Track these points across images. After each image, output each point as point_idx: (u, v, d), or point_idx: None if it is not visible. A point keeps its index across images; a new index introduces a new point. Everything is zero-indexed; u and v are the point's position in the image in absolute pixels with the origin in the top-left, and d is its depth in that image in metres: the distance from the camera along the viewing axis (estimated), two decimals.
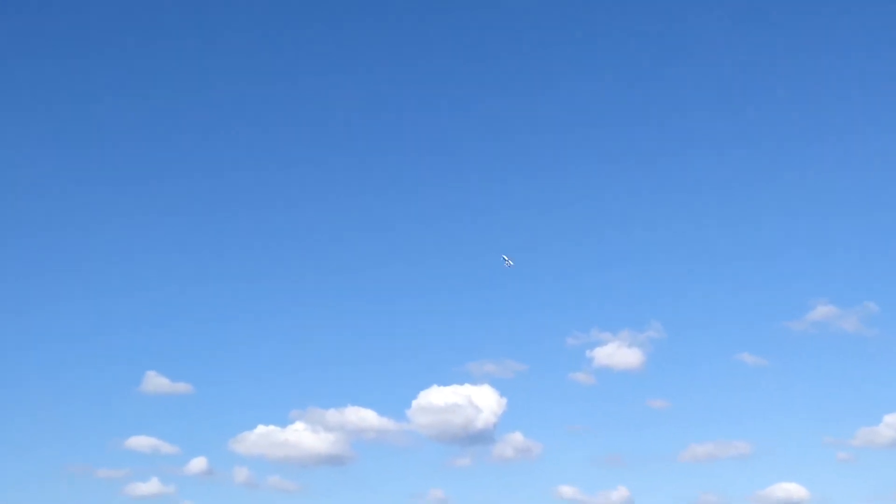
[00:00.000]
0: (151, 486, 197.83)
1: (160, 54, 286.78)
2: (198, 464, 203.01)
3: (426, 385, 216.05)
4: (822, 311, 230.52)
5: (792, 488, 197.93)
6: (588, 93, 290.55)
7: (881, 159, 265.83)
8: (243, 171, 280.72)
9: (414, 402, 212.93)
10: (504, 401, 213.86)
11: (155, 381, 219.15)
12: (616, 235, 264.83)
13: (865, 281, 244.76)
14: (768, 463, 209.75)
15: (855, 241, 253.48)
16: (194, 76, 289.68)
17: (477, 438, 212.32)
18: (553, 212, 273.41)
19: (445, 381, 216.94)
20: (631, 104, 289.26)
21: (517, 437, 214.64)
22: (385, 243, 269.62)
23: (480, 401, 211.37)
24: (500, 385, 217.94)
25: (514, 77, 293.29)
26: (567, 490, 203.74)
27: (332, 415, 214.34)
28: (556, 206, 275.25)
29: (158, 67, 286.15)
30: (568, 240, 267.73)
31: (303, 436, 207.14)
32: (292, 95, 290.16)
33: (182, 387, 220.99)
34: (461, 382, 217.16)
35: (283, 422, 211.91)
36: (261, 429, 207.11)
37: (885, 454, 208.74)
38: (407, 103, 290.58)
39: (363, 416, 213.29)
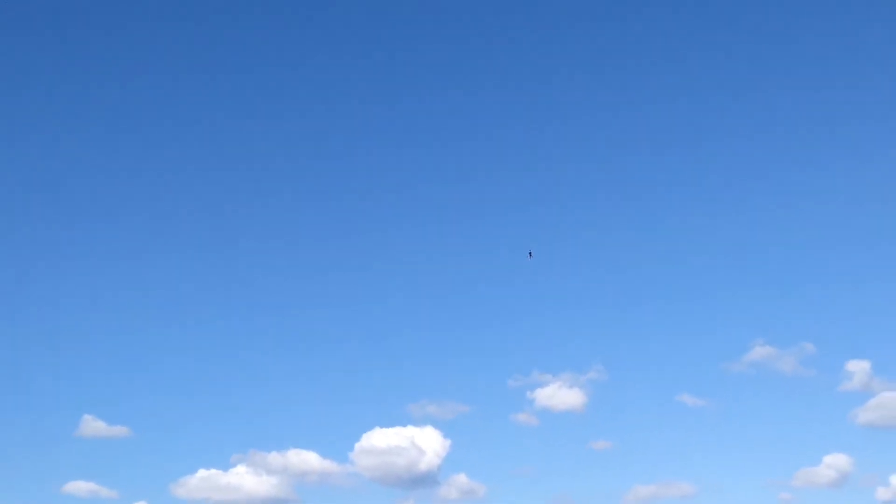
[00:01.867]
0: None
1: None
2: None
3: (369, 427, 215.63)
4: (760, 351, 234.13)
5: None
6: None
7: (815, 202, 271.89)
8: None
9: (357, 445, 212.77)
10: (448, 442, 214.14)
11: (92, 425, 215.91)
12: (556, 278, 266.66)
13: (802, 322, 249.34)
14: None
15: (792, 281, 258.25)
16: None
17: (421, 481, 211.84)
18: (494, 253, 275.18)
19: (388, 423, 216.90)
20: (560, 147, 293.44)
21: (461, 479, 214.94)
22: (323, 285, 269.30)
23: (424, 442, 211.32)
24: (442, 426, 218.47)
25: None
26: None
27: (274, 457, 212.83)
28: (496, 248, 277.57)
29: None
30: (509, 282, 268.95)
31: (245, 479, 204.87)
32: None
33: (120, 430, 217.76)
34: (404, 424, 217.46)
35: (225, 465, 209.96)
36: (202, 472, 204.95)
37: (826, 494, 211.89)
38: None
39: (306, 459, 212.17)
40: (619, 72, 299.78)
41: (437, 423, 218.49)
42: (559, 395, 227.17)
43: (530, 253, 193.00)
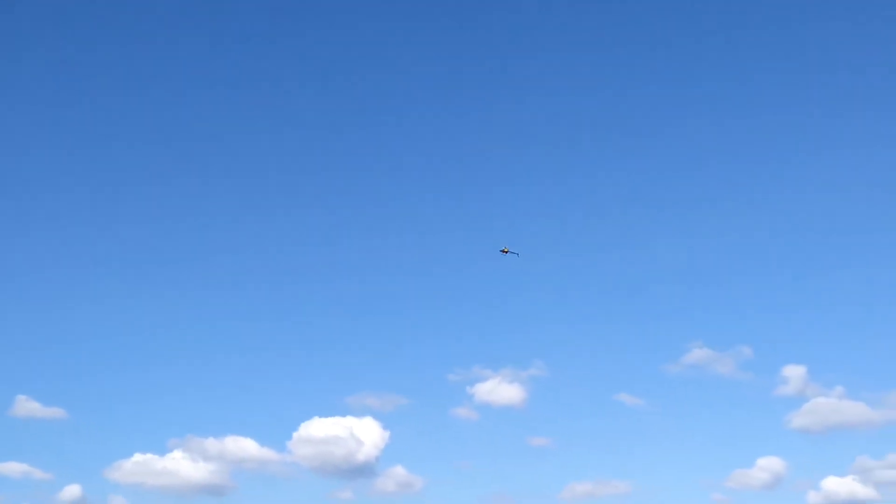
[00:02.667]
0: None
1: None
2: (72, 491, 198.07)
3: (308, 416, 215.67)
4: (699, 354, 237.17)
5: None
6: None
7: (755, 210, 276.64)
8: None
9: (295, 434, 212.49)
10: (387, 433, 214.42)
11: (26, 406, 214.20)
12: (499, 274, 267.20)
13: (741, 326, 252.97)
14: (647, 503, 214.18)
15: (731, 285, 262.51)
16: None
17: (359, 471, 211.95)
18: (436, 248, 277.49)
19: (327, 413, 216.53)
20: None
21: (399, 471, 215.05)
22: (265, 273, 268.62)
23: (362, 433, 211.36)
24: (381, 418, 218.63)
25: None
26: None
27: (211, 444, 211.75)
28: (439, 243, 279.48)
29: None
30: (450, 276, 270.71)
31: (181, 464, 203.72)
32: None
33: (55, 412, 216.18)
34: (343, 414, 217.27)
35: (161, 450, 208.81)
36: (138, 457, 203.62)
37: (758, 496, 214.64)
38: None
39: (243, 446, 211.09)
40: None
41: (375, 415, 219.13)
42: (499, 390, 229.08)
43: (513, 253, 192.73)
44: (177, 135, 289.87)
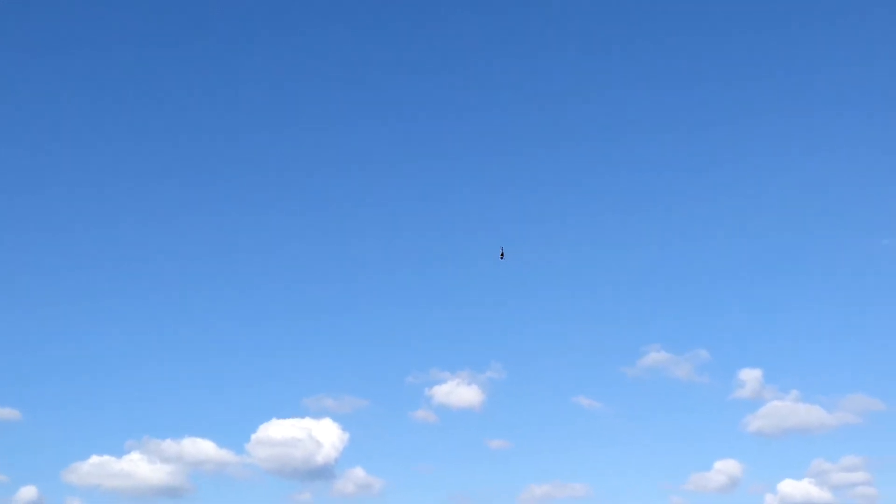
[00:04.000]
0: None
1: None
2: (27, 493, 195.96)
3: (266, 418, 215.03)
4: (655, 357, 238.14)
5: None
6: None
7: (713, 210, 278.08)
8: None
9: (253, 436, 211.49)
10: (346, 435, 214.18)
11: None
12: (456, 277, 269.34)
13: (697, 329, 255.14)
14: None
15: (688, 288, 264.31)
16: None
17: (318, 473, 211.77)
18: (393, 250, 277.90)
19: (285, 415, 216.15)
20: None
21: (359, 473, 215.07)
22: (223, 275, 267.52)
23: (321, 435, 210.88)
24: (340, 420, 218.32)
25: None
26: None
27: (169, 445, 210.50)
28: (397, 244, 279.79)
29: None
30: (407, 279, 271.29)
31: (139, 466, 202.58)
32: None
33: (9, 413, 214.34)
34: (301, 416, 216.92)
35: (119, 451, 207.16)
36: (95, 458, 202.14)
37: (716, 499, 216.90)
38: None
39: (201, 448, 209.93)
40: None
41: (333, 417, 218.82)
42: (457, 392, 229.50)
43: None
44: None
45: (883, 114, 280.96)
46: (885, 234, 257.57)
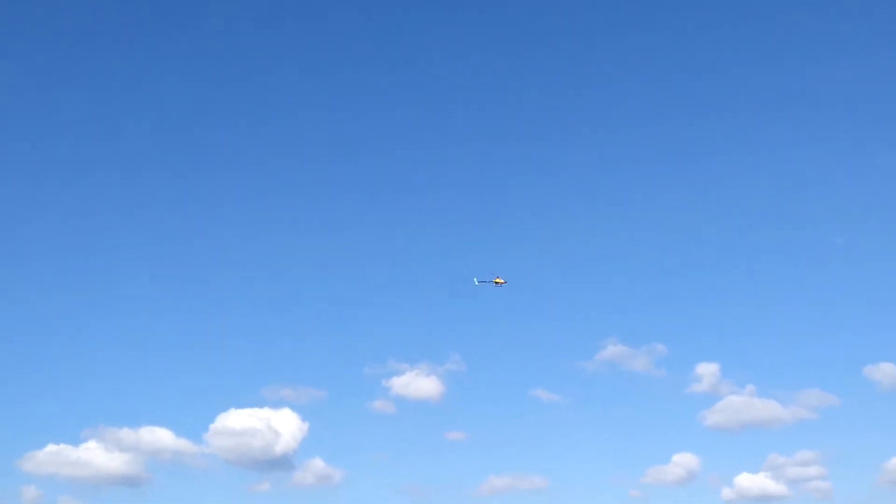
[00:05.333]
0: None
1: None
2: None
3: (224, 407, 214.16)
4: (613, 350, 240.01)
5: None
6: None
7: (671, 205, 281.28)
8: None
9: (212, 425, 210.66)
10: (305, 425, 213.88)
11: None
12: (415, 270, 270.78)
13: (655, 323, 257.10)
14: (563, 498, 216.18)
15: (646, 282, 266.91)
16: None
17: (277, 463, 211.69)
18: (352, 243, 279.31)
19: (244, 404, 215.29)
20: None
21: (318, 464, 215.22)
22: (180, 262, 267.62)
23: (280, 425, 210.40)
24: (298, 411, 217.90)
25: None
26: None
27: (126, 434, 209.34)
28: (358, 236, 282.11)
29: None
30: (365, 270, 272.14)
31: (96, 455, 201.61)
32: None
33: None
34: (260, 406, 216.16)
35: (75, 440, 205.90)
36: (51, 447, 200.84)
37: (673, 492, 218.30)
38: None
39: (159, 437, 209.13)
40: None
41: (292, 408, 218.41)
42: (415, 383, 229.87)
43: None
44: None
45: (838, 116, 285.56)
46: (839, 232, 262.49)
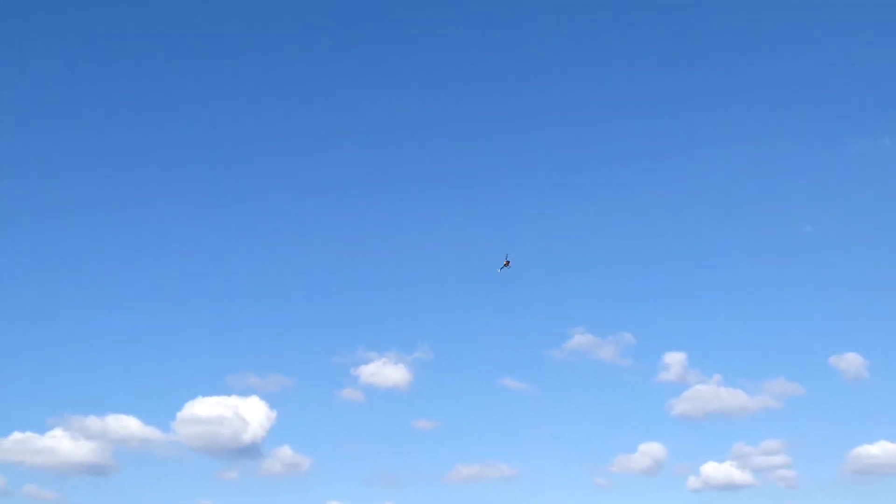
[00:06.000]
0: None
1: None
2: None
3: (192, 395, 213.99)
4: (580, 339, 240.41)
5: None
6: None
7: (637, 196, 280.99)
8: None
9: (179, 413, 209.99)
10: (273, 413, 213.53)
11: None
12: (385, 258, 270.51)
13: (622, 312, 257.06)
14: (532, 486, 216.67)
15: (613, 271, 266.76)
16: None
17: (245, 451, 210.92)
18: (319, 230, 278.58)
19: (210, 392, 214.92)
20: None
21: (286, 451, 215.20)
22: (148, 250, 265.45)
23: (248, 413, 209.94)
24: (266, 398, 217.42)
25: None
26: None
27: (92, 422, 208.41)
28: (326, 226, 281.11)
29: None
30: (334, 260, 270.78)
31: (62, 443, 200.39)
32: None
33: None
34: (228, 394, 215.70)
35: (41, 428, 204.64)
36: (16, 435, 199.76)
37: (641, 481, 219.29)
38: None
39: (126, 425, 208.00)
40: None
41: (260, 395, 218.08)
42: (384, 372, 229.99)
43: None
44: None
45: (804, 106, 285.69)
46: (806, 221, 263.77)
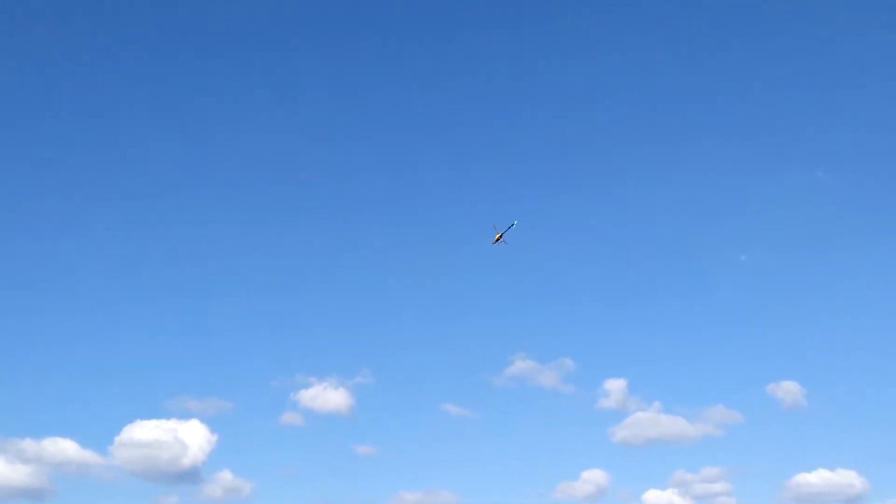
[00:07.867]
0: None
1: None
2: None
3: (130, 419, 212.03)
4: (522, 365, 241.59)
5: None
6: None
7: (579, 225, 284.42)
8: None
9: (117, 437, 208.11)
10: (214, 437, 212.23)
11: None
12: (321, 283, 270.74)
13: (563, 338, 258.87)
14: None
15: (554, 297, 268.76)
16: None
17: (185, 476, 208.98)
18: (260, 254, 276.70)
19: (149, 415, 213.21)
20: None
21: (227, 476, 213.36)
22: (85, 272, 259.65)
23: (188, 437, 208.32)
24: (206, 422, 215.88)
25: None
26: None
27: (28, 445, 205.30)
28: (265, 248, 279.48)
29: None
30: (273, 283, 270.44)
31: None
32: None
33: None
34: (167, 417, 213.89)
35: None
36: None
37: None
38: None
39: (63, 448, 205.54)
40: None
41: (199, 419, 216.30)
42: (324, 396, 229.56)
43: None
44: None
45: (737, 137, 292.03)
46: (742, 249, 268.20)
